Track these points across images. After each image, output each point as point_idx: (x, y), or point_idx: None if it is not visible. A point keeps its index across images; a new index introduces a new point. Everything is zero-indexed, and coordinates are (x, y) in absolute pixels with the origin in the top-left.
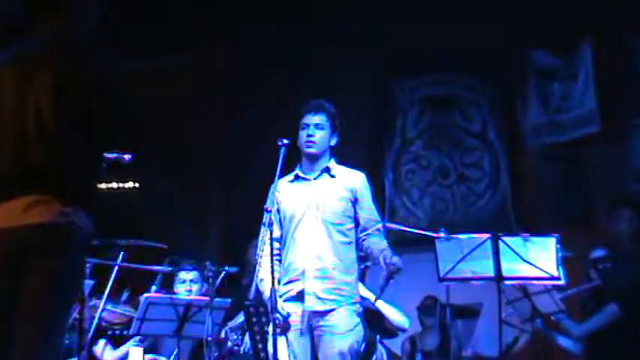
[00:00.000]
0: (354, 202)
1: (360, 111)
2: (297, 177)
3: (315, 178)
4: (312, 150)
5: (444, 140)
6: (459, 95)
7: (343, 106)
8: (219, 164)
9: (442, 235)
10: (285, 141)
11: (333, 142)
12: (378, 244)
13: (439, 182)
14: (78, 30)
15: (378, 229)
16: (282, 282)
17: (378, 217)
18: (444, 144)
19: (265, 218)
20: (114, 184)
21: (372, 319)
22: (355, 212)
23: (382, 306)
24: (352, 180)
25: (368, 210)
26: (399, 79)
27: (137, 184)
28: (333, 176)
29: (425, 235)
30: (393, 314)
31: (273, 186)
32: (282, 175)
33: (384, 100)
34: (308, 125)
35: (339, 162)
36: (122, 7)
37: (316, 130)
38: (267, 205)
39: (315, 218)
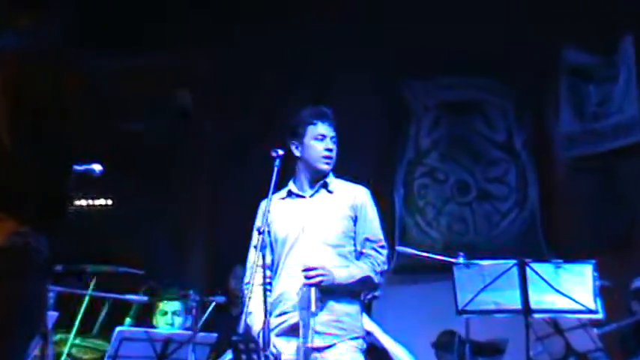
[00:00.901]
0: (356, 220)
1: (366, 118)
2: (290, 193)
3: (311, 195)
4: (329, 168)
5: (463, 151)
6: (480, 99)
7: (346, 112)
8: (204, 178)
9: (461, 260)
10: (281, 151)
11: None
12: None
13: (457, 199)
14: (51, 30)
15: (374, 249)
16: (274, 314)
17: (380, 235)
18: (463, 155)
19: (257, 240)
20: (82, 202)
21: (377, 357)
22: (355, 230)
23: (389, 343)
24: (354, 195)
25: (368, 227)
26: (410, 81)
27: (109, 201)
28: (330, 192)
29: (441, 260)
30: (402, 354)
31: (265, 202)
32: (275, 191)
33: (393, 106)
34: (325, 137)
35: (339, 175)
36: (115, 4)
37: (333, 145)
38: (259, 224)
39: (312, 240)
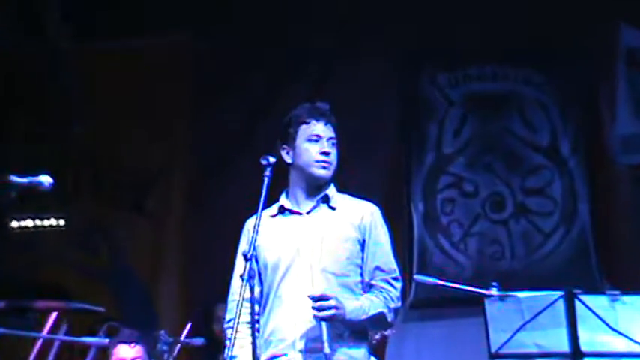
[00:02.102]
0: (364, 244)
1: (376, 116)
2: (282, 210)
3: (309, 212)
4: (326, 174)
5: (496, 157)
6: (517, 93)
7: (350, 109)
8: (178, 191)
9: (494, 292)
10: (272, 159)
11: None
12: (368, 299)
13: (490, 216)
14: None
15: (387, 280)
16: (263, 357)
17: (394, 263)
18: (497, 162)
19: (243, 267)
20: (28, 222)
21: None
22: (363, 257)
23: None
24: (361, 214)
25: (378, 254)
26: (432, 71)
27: (61, 221)
28: (333, 208)
29: (469, 291)
30: None
31: (251, 221)
32: (265, 207)
33: (409, 101)
34: (320, 138)
35: (342, 189)
36: None
37: (331, 147)
38: (245, 248)
39: (309, 267)
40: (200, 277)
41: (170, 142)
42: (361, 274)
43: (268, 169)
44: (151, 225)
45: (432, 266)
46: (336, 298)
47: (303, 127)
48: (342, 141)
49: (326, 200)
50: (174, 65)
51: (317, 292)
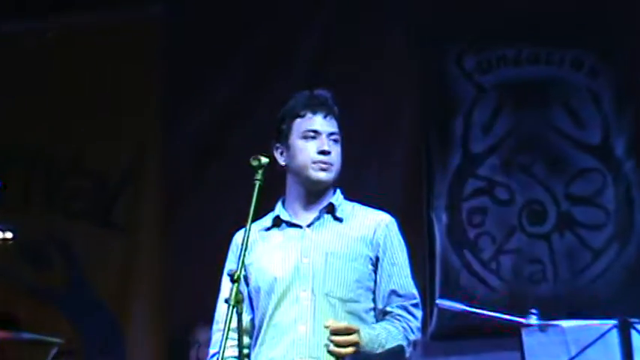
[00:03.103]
0: (377, 263)
1: (388, 108)
2: (277, 221)
3: (310, 224)
4: (326, 177)
5: (536, 157)
6: (563, 80)
7: (356, 100)
8: (149, 198)
9: (533, 320)
10: (264, 159)
11: None
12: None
13: (528, 229)
14: None
15: (405, 308)
16: None
17: (413, 287)
18: (537, 163)
19: (229, 290)
20: None
21: None
22: (375, 279)
23: None
24: (374, 226)
25: (395, 275)
26: (457, 52)
27: (8, 233)
28: (339, 220)
29: (503, 320)
30: None
31: (240, 235)
32: (256, 218)
33: (430, 89)
34: (318, 134)
35: (349, 195)
36: None
37: (333, 145)
38: (232, 267)
39: (311, 292)
40: (177, 299)
41: (139, 141)
42: (373, 300)
43: (260, 172)
44: (118, 238)
45: (457, 289)
46: (358, 333)
47: (298, 121)
48: (347, 140)
49: (331, 210)
50: (141, 48)
51: (341, 325)
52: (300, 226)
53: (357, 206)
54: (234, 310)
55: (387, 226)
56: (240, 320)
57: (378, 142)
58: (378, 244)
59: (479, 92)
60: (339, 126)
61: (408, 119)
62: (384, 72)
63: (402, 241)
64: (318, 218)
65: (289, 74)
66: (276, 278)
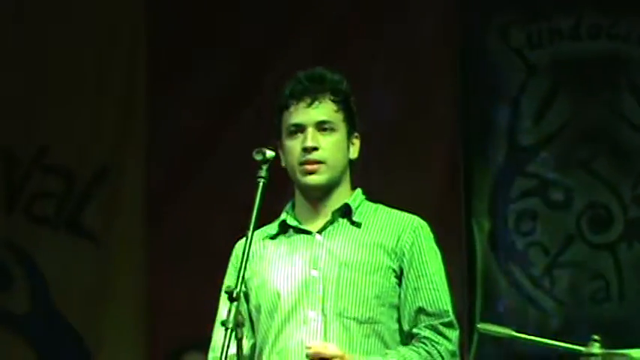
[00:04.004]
0: (402, 276)
1: (420, 93)
2: (284, 227)
3: (321, 230)
4: (316, 181)
5: (598, 151)
6: (630, 58)
7: (381, 85)
8: (128, 202)
9: (595, 349)
10: (269, 152)
11: (354, 155)
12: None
13: (589, 238)
14: None
15: (434, 328)
16: None
17: (447, 303)
18: (600, 158)
19: (227, 311)
20: None
21: None
22: (400, 294)
23: None
24: (398, 232)
25: (424, 289)
26: (502, 23)
27: None
28: (357, 224)
29: (559, 348)
30: None
31: (241, 245)
32: (260, 225)
33: (469, 69)
34: (301, 128)
35: (371, 195)
36: None
37: (321, 137)
38: (231, 283)
39: (321, 312)
40: (161, 321)
41: (117, 135)
42: (398, 320)
43: (264, 168)
44: (90, 248)
45: (502, 310)
46: (343, 358)
47: (285, 114)
48: (369, 131)
49: (347, 213)
50: (121, 31)
51: (319, 349)
52: (309, 233)
53: (382, 208)
54: (233, 334)
55: (414, 230)
56: (240, 347)
57: (406, 133)
58: (403, 253)
59: (528, 73)
60: (343, 106)
61: (442, 105)
62: (414, 50)
63: (435, 248)
64: (331, 223)
65: (297, 51)
66: (279, 295)
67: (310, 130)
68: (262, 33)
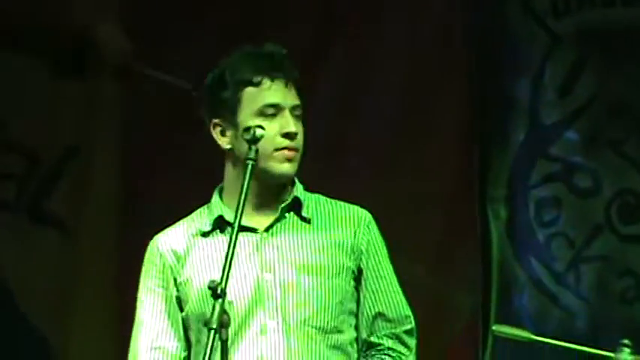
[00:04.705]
0: (359, 276)
1: (429, 62)
2: (220, 223)
3: (268, 228)
4: (293, 169)
5: (630, 131)
6: None
7: (390, 60)
8: (99, 186)
9: (625, 354)
10: (259, 131)
11: None
12: None
13: (620, 229)
14: None
15: (396, 337)
16: None
17: (405, 307)
18: (632, 140)
19: (211, 309)
20: None
21: None
22: (358, 299)
23: None
24: (351, 227)
25: (382, 291)
26: None
27: None
28: (307, 220)
29: (585, 353)
30: None
31: (169, 238)
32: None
33: (486, 40)
34: (280, 109)
35: (374, 182)
36: None
37: (298, 123)
38: (157, 281)
39: (282, 321)
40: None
41: (87, 108)
42: (357, 328)
43: (253, 149)
44: (55, 237)
45: (521, 310)
46: None
47: (250, 90)
48: (377, 110)
49: (296, 205)
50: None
51: None
52: (254, 230)
53: (323, 199)
54: (217, 335)
55: (367, 225)
56: (225, 350)
57: (413, 109)
58: (361, 251)
59: (553, 43)
60: (300, 95)
61: (456, 79)
62: (423, 15)
63: (385, 244)
64: (278, 219)
65: (291, 34)
66: (229, 303)
67: (287, 114)
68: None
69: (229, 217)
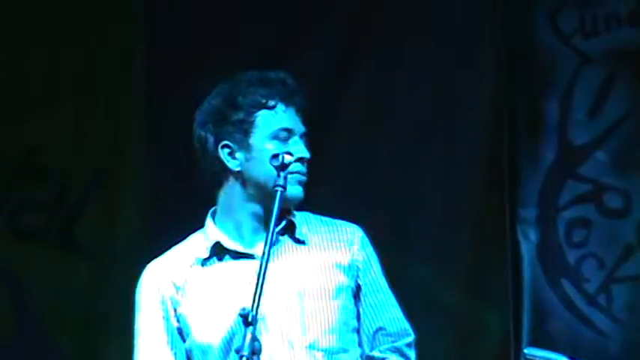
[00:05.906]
0: (358, 293)
1: (456, 83)
2: (218, 251)
3: (264, 254)
4: (303, 193)
5: None
6: None
7: (412, 78)
8: (126, 210)
9: None
10: (288, 157)
11: None
12: None
13: None
14: None
15: (398, 351)
16: None
17: (404, 320)
18: None
19: (242, 337)
20: None
21: None
22: (358, 315)
23: None
24: (346, 246)
25: (381, 307)
26: (551, 7)
27: None
28: (301, 242)
29: None
30: None
31: (161, 269)
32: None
33: (513, 59)
34: (292, 134)
35: (399, 204)
36: None
37: (307, 149)
38: (154, 318)
39: (289, 345)
40: None
41: (114, 136)
42: (360, 344)
43: (282, 175)
44: (82, 265)
45: (552, 332)
46: None
47: (265, 113)
48: (394, 129)
49: (290, 228)
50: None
51: None
52: (251, 256)
53: (313, 217)
54: None
55: (361, 241)
56: None
57: (441, 130)
58: (358, 268)
59: (582, 62)
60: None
61: (484, 100)
62: (450, 39)
63: (378, 259)
64: (274, 243)
65: (313, 44)
66: (234, 333)
67: (299, 140)
68: (274, 33)
69: (226, 243)
